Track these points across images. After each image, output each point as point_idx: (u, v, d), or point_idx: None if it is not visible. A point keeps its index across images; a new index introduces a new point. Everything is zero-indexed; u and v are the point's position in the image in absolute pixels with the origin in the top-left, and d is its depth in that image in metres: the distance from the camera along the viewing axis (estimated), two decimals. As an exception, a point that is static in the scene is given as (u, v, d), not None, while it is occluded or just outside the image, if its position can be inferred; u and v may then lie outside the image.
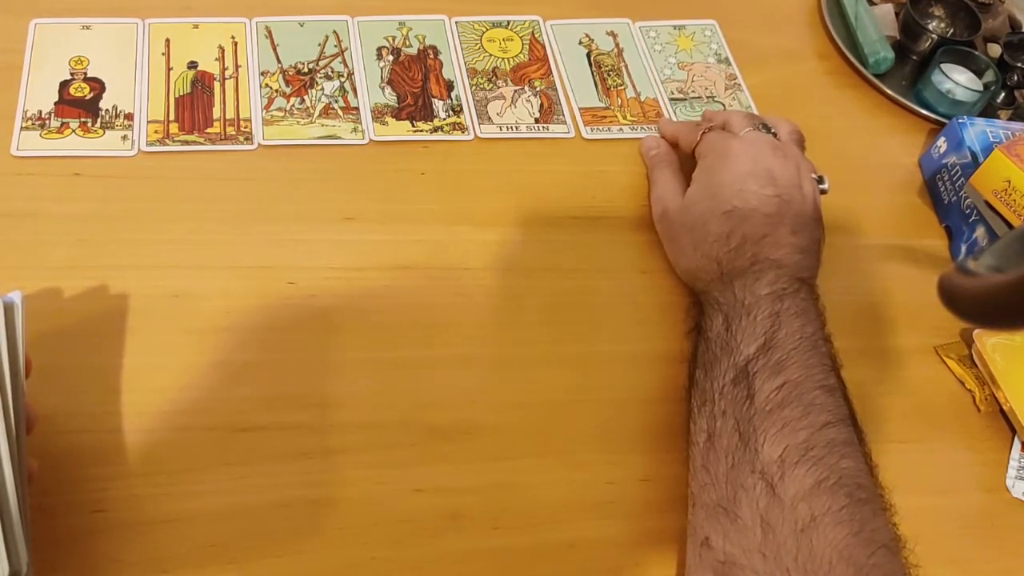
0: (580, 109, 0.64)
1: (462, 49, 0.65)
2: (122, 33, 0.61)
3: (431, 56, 0.64)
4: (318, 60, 0.62)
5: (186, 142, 0.57)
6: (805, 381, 0.45)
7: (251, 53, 0.62)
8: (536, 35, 0.68)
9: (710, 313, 0.50)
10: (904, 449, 0.53)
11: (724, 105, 0.66)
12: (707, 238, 0.52)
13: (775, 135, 0.56)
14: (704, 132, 0.57)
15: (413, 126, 0.60)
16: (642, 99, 0.66)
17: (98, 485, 0.44)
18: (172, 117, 0.57)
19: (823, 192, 0.55)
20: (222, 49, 0.61)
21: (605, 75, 0.66)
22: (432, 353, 0.51)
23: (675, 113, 0.65)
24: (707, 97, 0.67)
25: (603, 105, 0.64)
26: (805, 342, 0.47)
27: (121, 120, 0.57)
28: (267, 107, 0.59)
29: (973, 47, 0.71)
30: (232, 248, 0.53)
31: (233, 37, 0.62)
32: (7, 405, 0.37)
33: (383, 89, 0.62)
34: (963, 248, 0.61)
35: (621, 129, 0.63)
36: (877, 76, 0.71)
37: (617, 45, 0.68)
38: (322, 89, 0.61)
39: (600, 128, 0.63)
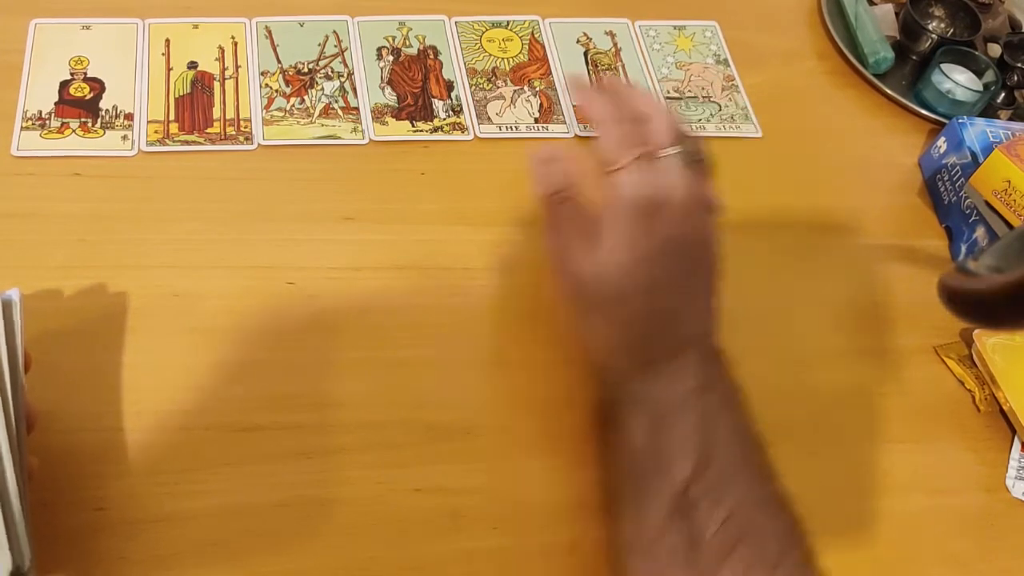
0: (575, 107, 0.64)
1: (462, 49, 0.65)
2: (122, 33, 0.61)
3: (431, 56, 0.64)
4: (318, 60, 0.62)
5: (186, 142, 0.57)
6: (751, 503, 0.40)
7: (251, 53, 0.62)
8: (536, 35, 0.68)
9: (629, 415, 0.42)
10: (904, 449, 0.53)
11: (720, 106, 0.66)
12: (626, 317, 0.43)
13: (700, 160, 0.45)
14: (635, 159, 0.43)
15: (413, 126, 0.60)
16: (642, 99, 0.66)
17: (99, 483, 0.44)
18: (172, 117, 0.57)
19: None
20: (222, 49, 0.61)
21: (601, 74, 0.66)
22: (432, 353, 0.51)
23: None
24: (703, 97, 0.67)
25: (602, 105, 0.64)
26: (741, 443, 0.41)
27: (121, 120, 0.57)
28: (267, 107, 0.59)
29: (973, 47, 0.71)
30: (232, 248, 0.53)
31: (233, 37, 0.62)
32: (7, 402, 0.37)
33: (383, 89, 0.62)
34: (963, 248, 0.61)
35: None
36: (877, 76, 0.71)
37: (615, 44, 0.68)
38: (322, 89, 0.61)
39: (597, 127, 0.63)
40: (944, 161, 0.64)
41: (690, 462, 0.39)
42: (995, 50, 0.73)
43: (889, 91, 0.70)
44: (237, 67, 0.61)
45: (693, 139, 0.45)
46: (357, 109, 0.60)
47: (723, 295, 0.57)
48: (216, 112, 0.58)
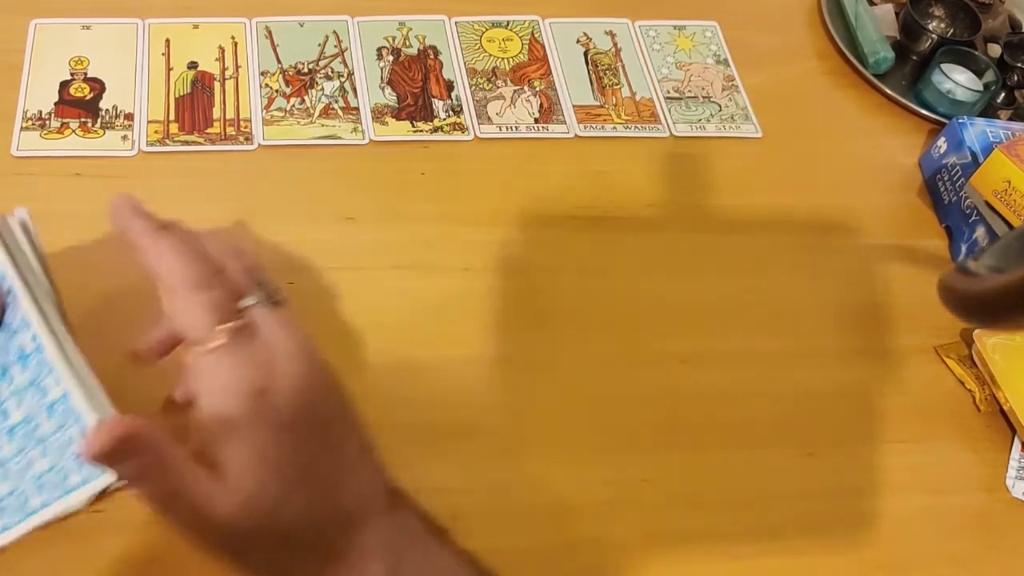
0: (574, 107, 0.64)
1: (462, 49, 0.65)
2: (122, 33, 0.61)
3: (431, 56, 0.64)
4: (318, 60, 0.62)
5: (186, 142, 0.57)
6: None
7: (251, 53, 0.62)
8: (536, 35, 0.68)
9: None
10: (904, 449, 0.53)
11: (720, 106, 0.66)
12: (294, 540, 0.34)
13: (279, 298, 0.37)
14: (232, 334, 0.33)
15: (413, 126, 0.60)
16: (637, 98, 0.66)
17: (98, 485, 0.44)
18: (172, 117, 0.57)
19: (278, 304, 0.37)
20: (222, 49, 0.61)
21: (601, 74, 0.66)
22: (432, 353, 0.51)
23: (670, 112, 0.65)
24: (703, 97, 0.67)
25: (597, 103, 0.65)
26: None
27: (121, 120, 0.57)
28: (267, 107, 0.59)
29: (973, 47, 0.71)
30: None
31: (233, 37, 0.62)
32: (51, 305, 0.37)
33: (383, 89, 0.62)
34: (963, 248, 0.61)
35: (615, 128, 0.63)
36: (877, 76, 0.71)
37: (615, 44, 0.68)
38: (322, 89, 0.61)
39: (593, 126, 0.63)
40: (944, 161, 0.64)
41: None
42: (995, 50, 0.73)
43: (889, 91, 0.70)
44: (237, 67, 0.61)
45: (263, 273, 0.38)
46: (357, 109, 0.60)
47: (723, 295, 0.57)
48: (216, 112, 0.58)
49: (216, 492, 0.32)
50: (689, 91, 0.67)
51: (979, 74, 0.70)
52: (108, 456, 0.30)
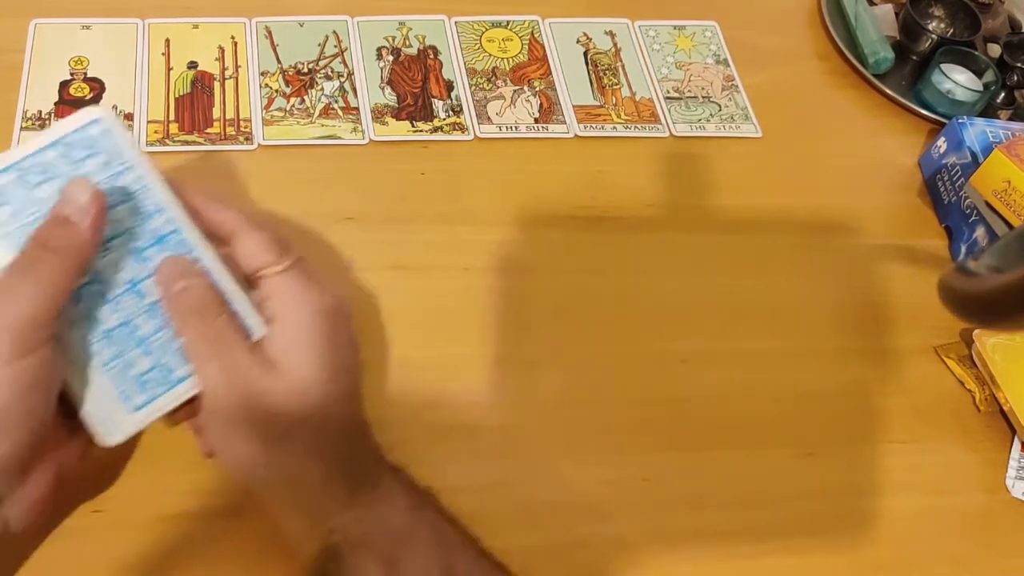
0: (574, 107, 0.64)
1: (462, 49, 0.65)
2: (122, 33, 0.61)
3: (431, 56, 0.64)
4: (318, 60, 0.62)
5: (186, 142, 0.57)
6: None
7: (251, 53, 0.62)
8: (535, 35, 0.68)
9: (353, 562, 0.36)
10: (904, 449, 0.53)
11: (720, 106, 0.66)
12: (330, 440, 0.38)
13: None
14: (294, 260, 0.40)
15: (413, 126, 0.60)
16: (637, 98, 0.66)
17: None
18: (172, 117, 0.57)
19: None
20: (222, 49, 0.61)
21: (601, 74, 0.66)
22: (432, 353, 0.51)
23: (670, 112, 0.65)
24: (703, 97, 0.67)
25: (597, 103, 0.65)
26: (477, 557, 0.38)
27: (121, 120, 0.57)
28: (267, 107, 0.59)
29: (973, 47, 0.71)
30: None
31: (233, 37, 0.62)
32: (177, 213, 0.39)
33: (383, 89, 0.62)
34: (963, 248, 0.61)
35: (615, 128, 0.63)
36: (877, 76, 0.71)
37: (615, 44, 0.68)
38: (322, 89, 0.61)
39: (593, 126, 0.63)
40: (944, 161, 0.64)
41: None
42: (995, 50, 0.73)
43: (889, 91, 0.70)
44: (237, 67, 0.61)
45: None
46: (357, 109, 0.60)
47: (723, 295, 0.57)
48: (216, 112, 0.58)
49: (268, 375, 0.37)
50: (689, 91, 0.67)
51: (979, 74, 0.70)
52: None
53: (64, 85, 0.58)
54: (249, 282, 0.40)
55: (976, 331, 0.56)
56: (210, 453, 0.40)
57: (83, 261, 0.35)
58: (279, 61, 0.62)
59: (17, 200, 0.37)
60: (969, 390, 0.56)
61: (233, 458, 0.38)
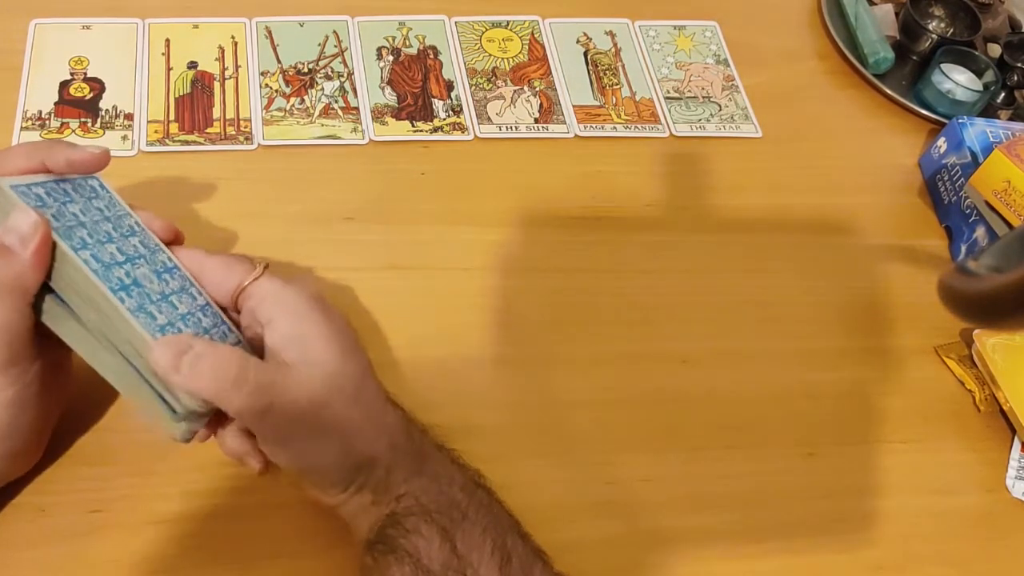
0: (574, 107, 0.64)
1: (462, 49, 0.65)
2: (122, 33, 0.61)
3: (431, 56, 0.64)
4: (318, 60, 0.62)
5: (186, 142, 0.57)
6: None
7: (251, 53, 0.62)
8: (536, 35, 0.68)
9: (412, 526, 0.37)
10: (904, 449, 0.53)
11: (720, 106, 0.66)
12: (370, 409, 0.39)
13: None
14: (264, 267, 0.40)
15: (413, 126, 0.60)
16: (637, 98, 0.66)
17: (95, 485, 0.44)
18: (172, 117, 0.57)
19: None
20: (222, 49, 0.61)
21: (601, 74, 0.66)
22: (432, 353, 0.51)
23: (670, 112, 0.65)
24: (703, 97, 0.67)
25: (597, 103, 0.65)
26: (524, 539, 0.40)
27: (121, 120, 0.57)
28: (267, 107, 0.59)
29: (973, 47, 0.71)
30: (231, 248, 0.53)
31: (233, 37, 0.62)
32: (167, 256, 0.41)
33: (383, 89, 0.62)
34: (963, 248, 0.61)
35: (615, 128, 0.63)
36: (877, 76, 0.71)
37: (615, 44, 0.68)
38: (322, 89, 0.61)
39: (593, 126, 0.63)
40: (944, 161, 0.64)
41: (496, 569, 0.36)
42: (995, 50, 0.73)
43: (889, 91, 0.70)
44: (237, 67, 0.61)
45: None
46: (357, 109, 0.60)
47: (723, 295, 0.57)
48: (216, 112, 0.58)
49: (289, 374, 0.36)
50: (689, 91, 0.67)
51: (979, 74, 0.70)
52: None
53: (64, 85, 0.58)
54: (235, 304, 0.40)
55: (976, 331, 0.56)
56: (266, 468, 0.40)
57: (25, 291, 0.35)
58: (279, 61, 0.62)
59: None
60: (969, 390, 0.56)
61: (311, 468, 0.39)
